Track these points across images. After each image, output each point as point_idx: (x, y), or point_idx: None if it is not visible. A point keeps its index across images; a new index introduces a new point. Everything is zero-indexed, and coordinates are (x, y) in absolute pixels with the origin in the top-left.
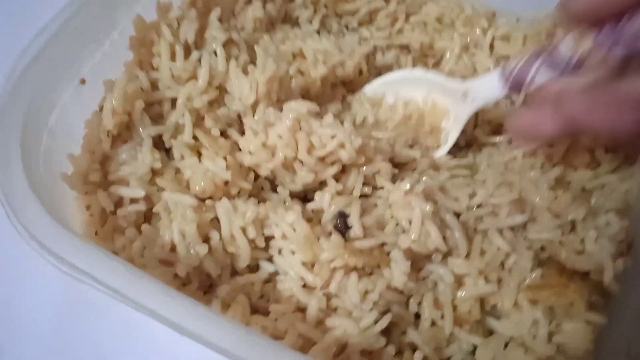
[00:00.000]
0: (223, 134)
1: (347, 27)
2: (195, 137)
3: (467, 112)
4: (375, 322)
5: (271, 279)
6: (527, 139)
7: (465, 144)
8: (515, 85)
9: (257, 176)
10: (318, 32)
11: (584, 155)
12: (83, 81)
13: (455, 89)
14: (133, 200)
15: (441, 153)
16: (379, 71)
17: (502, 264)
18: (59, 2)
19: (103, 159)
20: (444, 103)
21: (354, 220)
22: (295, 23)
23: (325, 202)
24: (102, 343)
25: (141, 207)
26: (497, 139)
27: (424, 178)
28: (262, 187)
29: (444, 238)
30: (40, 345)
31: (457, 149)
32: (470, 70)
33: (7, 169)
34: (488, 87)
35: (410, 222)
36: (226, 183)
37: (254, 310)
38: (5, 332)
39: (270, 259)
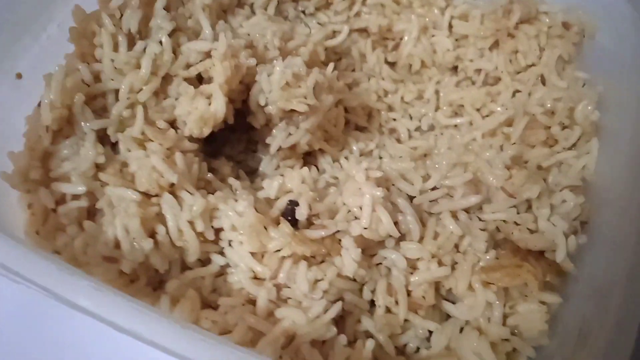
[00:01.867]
0: (172, 125)
1: (303, 12)
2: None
3: None
4: (325, 311)
5: (223, 272)
6: None
7: (428, 128)
8: None
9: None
10: None
11: (540, 132)
12: (19, 76)
13: None
14: (75, 197)
15: None
16: (338, 56)
17: (457, 247)
18: None
19: (44, 156)
20: None
21: (302, 211)
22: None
23: (273, 189)
24: (64, 347)
25: (83, 203)
26: (458, 120)
27: (383, 160)
28: (210, 181)
29: (397, 223)
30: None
31: (419, 133)
32: (430, 52)
33: None
34: None
35: (361, 209)
36: (172, 185)
37: (206, 304)
38: None
39: (221, 252)
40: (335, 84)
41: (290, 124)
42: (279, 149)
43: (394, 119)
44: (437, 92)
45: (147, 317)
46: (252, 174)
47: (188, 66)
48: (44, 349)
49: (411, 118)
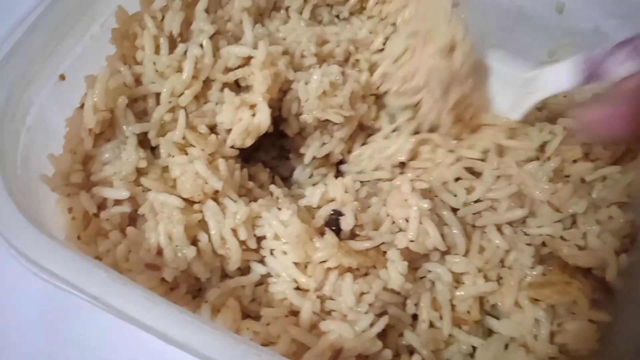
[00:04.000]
0: (212, 130)
1: (337, 16)
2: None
3: (528, 103)
4: (371, 325)
5: (263, 281)
6: (591, 135)
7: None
8: (592, 77)
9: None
10: None
11: (576, 150)
12: (63, 77)
13: (513, 77)
14: (117, 202)
15: None
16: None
17: (502, 261)
18: None
19: (85, 159)
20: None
21: (349, 221)
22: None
23: (316, 198)
24: (89, 346)
25: (125, 208)
26: None
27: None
28: (250, 189)
29: (442, 236)
30: (26, 348)
31: None
32: None
33: None
34: (558, 77)
35: (407, 221)
36: (216, 192)
37: (245, 314)
38: None
39: (261, 261)
40: (369, 91)
41: (324, 132)
42: (313, 158)
43: None
44: None
45: (200, 330)
46: (284, 180)
47: (227, 70)
48: (68, 349)
49: None
